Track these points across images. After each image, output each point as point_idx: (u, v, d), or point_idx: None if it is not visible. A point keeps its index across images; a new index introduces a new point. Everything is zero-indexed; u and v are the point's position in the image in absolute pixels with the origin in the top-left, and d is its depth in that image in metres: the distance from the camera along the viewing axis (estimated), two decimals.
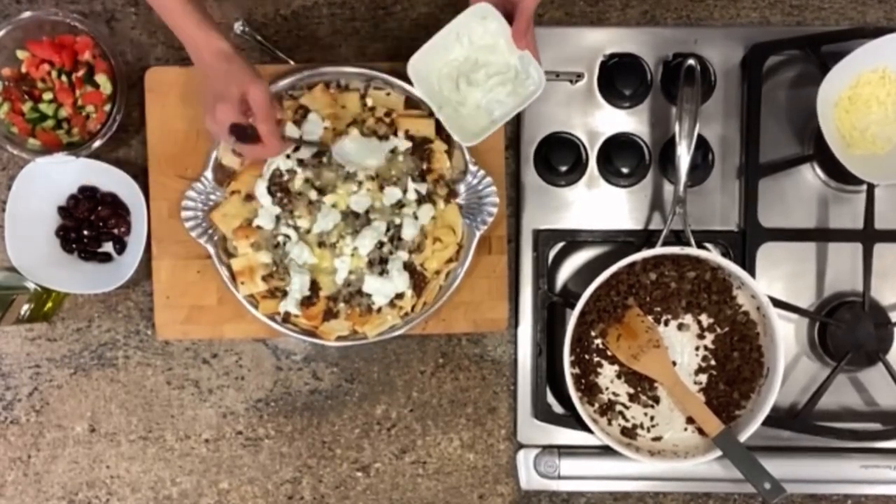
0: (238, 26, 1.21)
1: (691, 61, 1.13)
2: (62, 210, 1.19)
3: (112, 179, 1.17)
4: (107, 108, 1.17)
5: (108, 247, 1.21)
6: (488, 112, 1.10)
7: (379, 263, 1.15)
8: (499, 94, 1.09)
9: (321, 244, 1.15)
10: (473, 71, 1.09)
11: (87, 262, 1.20)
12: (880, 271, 1.18)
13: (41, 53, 1.16)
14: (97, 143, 1.15)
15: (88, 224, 1.19)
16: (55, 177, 1.17)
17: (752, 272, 1.16)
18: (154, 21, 1.23)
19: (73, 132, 1.18)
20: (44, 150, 1.16)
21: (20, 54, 1.17)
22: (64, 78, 1.17)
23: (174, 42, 1.23)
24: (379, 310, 1.16)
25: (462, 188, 1.17)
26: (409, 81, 1.15)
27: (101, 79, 1.17)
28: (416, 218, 1.15)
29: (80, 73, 1.17)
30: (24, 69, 1.17)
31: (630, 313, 1.16)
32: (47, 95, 1.18)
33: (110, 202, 1.20)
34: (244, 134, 1.00)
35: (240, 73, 0.99)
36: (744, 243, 1.18)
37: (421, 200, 1.15)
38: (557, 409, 1.19)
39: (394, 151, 1.15)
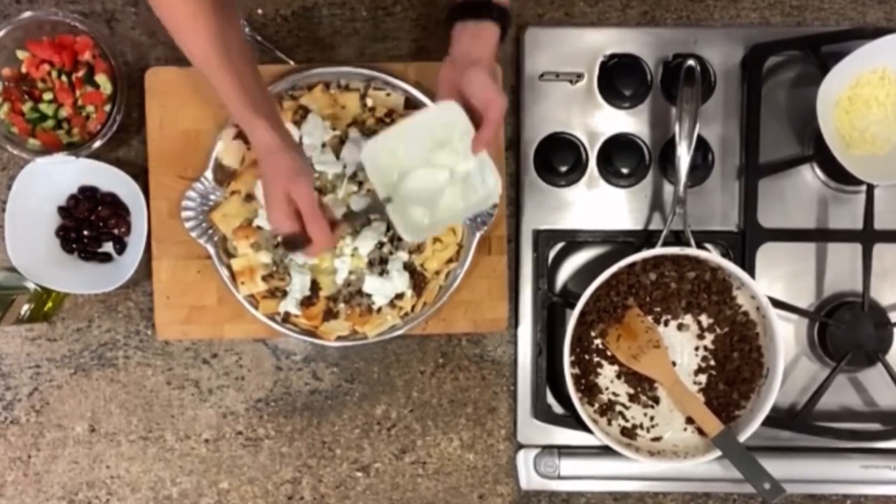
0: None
1: (691, 62, 1.13)
2: (62, 210, 1.19)
3: (112, 179, 1.17)
4: (107, 108, 1.16)
5: (108, 247, 1.21)
6: (432, 212, 1.03)
7: (379, 263, 1.15)
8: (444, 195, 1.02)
9: None
10: (422, 166, 1.02)
11: (87, 262, 1.20)
12: (880, 272, 1.18)
13: (41, 53, 1.16)
14: (97, 144, 1.15)
15: (88, 224, 1.19)
16: (55, 177, 1.17)
17: (751, 272, 1.17)
18: (154, 21, 1.22)
19: (73, 132, 1.18)
20: (44, 150, 1.16)
21: (20, 54, 1.17)
22: (64, 78, 1.17)
23: (174, 42, 1.22)
24: (379, 310, 1.16)
25: None
26: (409, 83, 1.15)
27: (101, 79, 1.16)
28: None
29: (81, 73, 1.17)
30: (24, 69, 1.17)
31: (630, 313, 1.16)
32: (47, 95, 1.17)
33: (110, 202, 1.20)
34: (296, 243, 0.98)
35: (283, 169, 0.96)
36: (743, 244, 1.18)
37: None
38: (557, 409, 1.19)
39: None
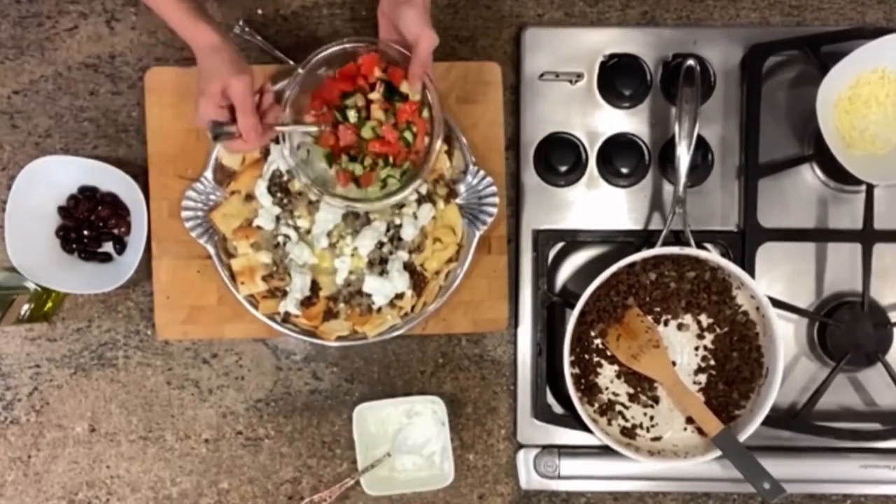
0: (238, 26, 1.21)
1: (691, 62, 1.13)
2: (62, 210, 1.19)
3: (112, 179, 1.17)
4: (424, 113, 1.05)
5: (108, 247, 1.21)
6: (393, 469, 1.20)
7: (379, 263, 1.15)
8: (406, 462, 1.19)
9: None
10: (405, 441, 1.19)
11: (87, 262, 1.20)
12: (879, 271, 1.18)
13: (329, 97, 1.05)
14: (432, 160, 1.05)
15: (88, 224, 1.19)
16: (55, 177, 1.17)
17: (751, 272, 1.17)
18: (154, 21, 1.23)
19: (405, 165, 1.07)
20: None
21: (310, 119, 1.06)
22: (376, 116, 1.04)
23: (174, 42, 1.23)
24: (379, 310, 1.16)
25: (462, 188, 1.17)
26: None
27: (405, 86, 1.04)
28: (415, 218, 1.15)
29: (377, 93, 1.04)
30: (333, 138, 1.05)
31: (630, 313, 1.16)
32: (372, 146, 1.05)
33: (110, 202, 1.20)
34: (221, 130, 1.00)
35: (224, 66, 0.99)
36: (743, 243, 1.18)
37: (421, 200, 1.15)
38: (557, 409, 1.19)
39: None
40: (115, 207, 1.20)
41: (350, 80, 1.06)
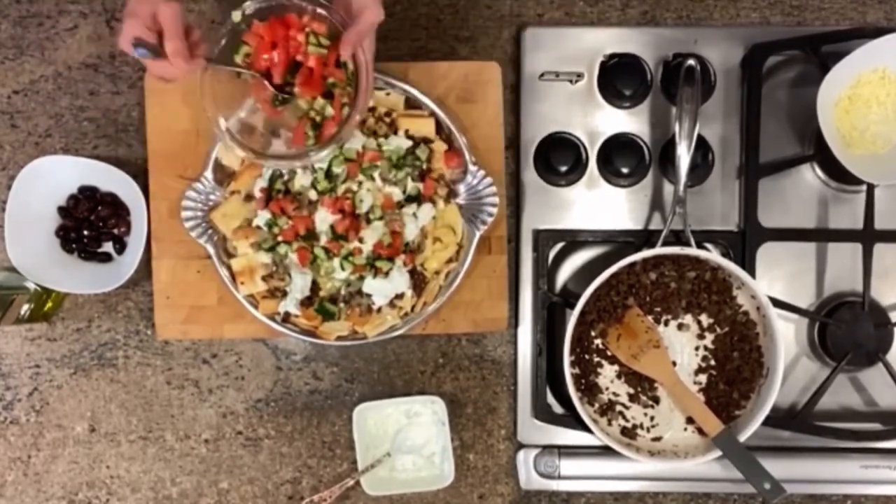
0: None
1: (691, 61, 1.13)
2: (62, 210, 1.19)
3: (112, 179, 1.17)
4: (349, 88, 1.04)
5: (108, 247, 1.21)
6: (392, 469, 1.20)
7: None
8: (406, 462, 1.20)
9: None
10: (405, 441, 1.19)
11: (87, 262, 1.20)
12: (880, 271, 1.18)
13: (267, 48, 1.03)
14: (345, 133, 1.03)
15: (88, 224, 1.19)
16: (55, 177, 1.17)
17: (751, 272, 1.16)
18: None
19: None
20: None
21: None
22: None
23: None
24: (379, 310, 1.16)
25: (462, 188, 1.17)
26: (408, 82, 1.15)
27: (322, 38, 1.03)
28: (416, 218, 1.15)
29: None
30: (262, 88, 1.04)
31: (630, 313, 1.16)
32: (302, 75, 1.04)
33: (110, 202, 1.20)
34: (145, 45, 0.95)
35: None
36: (744, 243, 1.18)
37: (421, 200, 1.15)
38: (557, 409, 1.19)
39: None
40: (115, 207, 1.20)
41: (281, 39, 1.03)
